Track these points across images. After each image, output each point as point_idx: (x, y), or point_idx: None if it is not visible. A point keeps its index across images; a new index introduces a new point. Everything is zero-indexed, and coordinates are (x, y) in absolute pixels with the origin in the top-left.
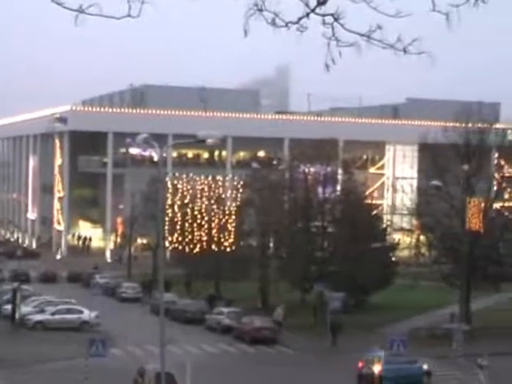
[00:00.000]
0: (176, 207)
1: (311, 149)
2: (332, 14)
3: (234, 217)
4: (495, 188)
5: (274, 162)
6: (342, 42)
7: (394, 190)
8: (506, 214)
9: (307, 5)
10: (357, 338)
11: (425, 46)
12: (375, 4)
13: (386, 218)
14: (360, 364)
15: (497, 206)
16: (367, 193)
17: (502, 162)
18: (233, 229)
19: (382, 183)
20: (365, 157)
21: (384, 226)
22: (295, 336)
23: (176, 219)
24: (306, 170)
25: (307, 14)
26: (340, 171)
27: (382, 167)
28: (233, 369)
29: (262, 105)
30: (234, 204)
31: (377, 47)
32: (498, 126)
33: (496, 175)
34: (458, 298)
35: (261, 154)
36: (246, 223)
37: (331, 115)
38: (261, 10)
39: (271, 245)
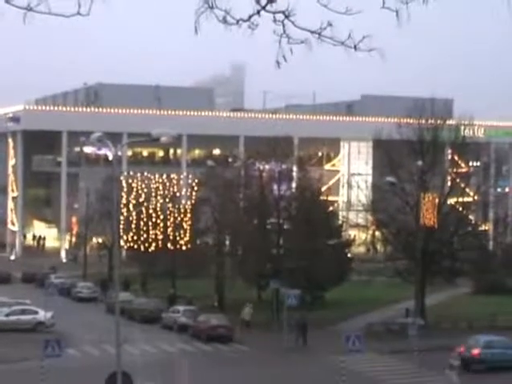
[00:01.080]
0: (131, 206)
1: (266, 146)
2: (283, 12)
3: (189, 215)
4: (449, 184)
5: (230, 160)
6: (293, 40)
7: (349, 187)
8: (460, 209)
9: (258, 2)
10: (313, 334)
11: (376, 43)
12: (326, 1)
13: (341, 214)
14: (461, 349)
15: (451, 201)
16: (323, 189)
17: (456, 158)
18: (188, 227)
19: (338, 180)
20: (320, 154)
21: (339, 222)
22: (252, 334)
23: (131, 218)
24: (262, 168)
25: (258, 12)
26: (295, 168)
27: (337, 164)
28: (190, 367)
29: (217, 103)
30: (189, 202)
31: (328, 44)
32: (451, 121)
33: (450, 171)
34: (413, 293)
35: (216, 151)
36: (202, 221)
37: (286, 113)
38: (211, 8)
39: (227, 242)
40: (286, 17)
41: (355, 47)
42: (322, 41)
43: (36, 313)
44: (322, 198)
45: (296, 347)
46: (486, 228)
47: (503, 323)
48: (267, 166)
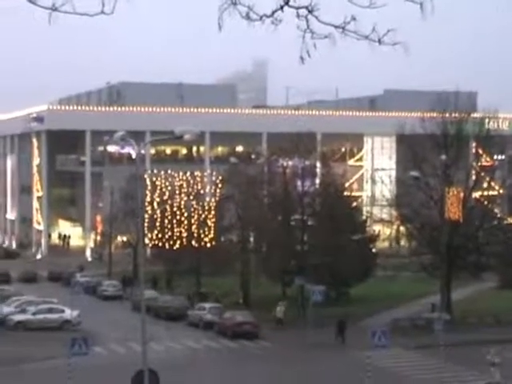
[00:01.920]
0: (155, 204)
1: (289, 142)
2: (306, 7)
3: (213, 212)
4: (473, 177)
5: (253, 157)
6: (317, 35)
7: (373, 182)
8: (485, 203)
9: None
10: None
11: (399, 36)
12: None
13: (365, 209)
14: None
15: (475, 195)
16: (346, 185)
17: (480, 152)
18: (212, 224)
19: (361, 175)
20: (343, 149)
21: (364, 217)
22: (277, 330)
23: (155, 216)
24: (285, 164)
25: (281, 7)
26: (318, 164)
27: (360, 159)
28: (216, 364)
29: (240, 99)
30: (213, 199)
31: (352, 39)
32: (475, 115)
33: (474, 164)
34: (439, 287)
35: (239, 148)
36: (226, 218)
37: (309, 108)
38: (235, 4)
39: (251, 239)
40: (310, 12)
41: (379, 41)
42: (346, 35)
43: (62, 311)
44: (345, 193)
45: (335, 343)
46: None
47: None
48: (290, 163)
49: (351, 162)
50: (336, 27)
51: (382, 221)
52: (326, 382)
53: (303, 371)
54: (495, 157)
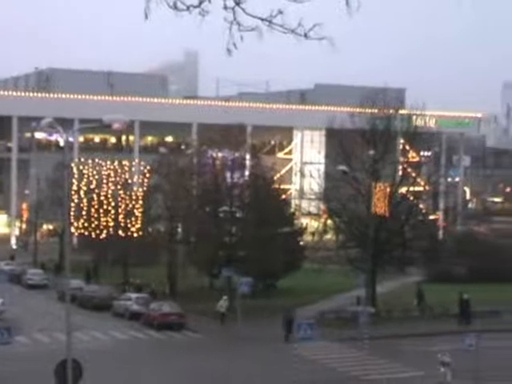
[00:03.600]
0: (82, 192)
1: (219, 134)
2: None
3: (140, 202)
4: (400, 173)
5: (182, 147)
6: (244, 27)
7: (302, 175)
8: (411, 198)
9: None
10: (267, 323)
11: (329, 32)
12: None
13: (293, 202)
14: None
15: (402, 190)
16: (275, 178)
17: (407, 148)
18: (140, 214)
19: (290, 168)
20: (273, 142)
21: (292, 210)
22: (204, 321)
23: (82, 205)
24: (214, 155)
25: None
26: (248, 156)
27: (289, 152)
28: (141, 355)
29: (171, 90)
30: (140, 189)
31: (278, 32)
32: (403, 111)
33: (401, 160)
34: (365, 281)
35: (169, 139)
36: (154, 208)
37: (239, 100)
38: None
39: (179, 230)
40: (237, 4)
41: (306, 35)
42: (273, 28)
43: None
44: (274, 186)
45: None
46: (437, 217)
47: (455, 311)
48: (220, 154)
49: (281, 154)
50: (263, 20)
51: (309, 214)
52: (251, 374)
53: (229, 362)
54: (422, 153)
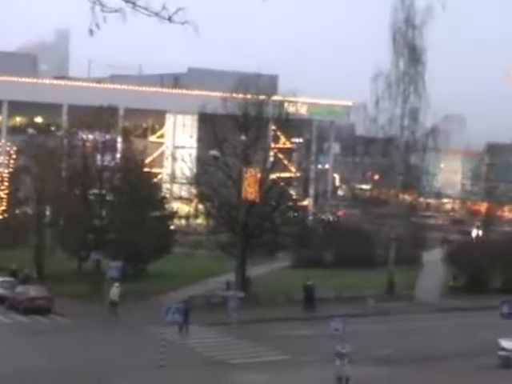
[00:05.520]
0: None
1: (90, 116)
2: None
3: (6, 184)
4: (271, 159)
5: (52, 129)
6: (107, 8)
7: (174, 159)
8: (282, 184)
9: None
10: (136, 307)
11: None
12: None
13: (165, 186)
14: None
15: (273, 176)
16: (147, 161)
17: (279, 134)
18: (5, 196)
19: (162, 152)
20: (145, 125)
21: (163, 194)
22: (72, 305)
23: None
24: (85, 137)
25: None
26: (119, 139)
27: (161, 136)
28: (6, 339)
29: (41, 70)
30: (6, 170)
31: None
32: (275, 98)
33: (272, 146)
34: (235, 266)
35: (38, 119)
36: (22, 190)
37: (111, 82)
38: None
39: (48, 213)
40: None
41: (170, 19)
42: (137, 10)
43: None
44: (145, 169)
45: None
46: (307, 203)
47: (321, 295)
48: (91, 136)
49: (153, 138)
50: (126, 2)
51: (181, 198)
52: (117, 358)
53: (96, 346)
54: (293, 140)
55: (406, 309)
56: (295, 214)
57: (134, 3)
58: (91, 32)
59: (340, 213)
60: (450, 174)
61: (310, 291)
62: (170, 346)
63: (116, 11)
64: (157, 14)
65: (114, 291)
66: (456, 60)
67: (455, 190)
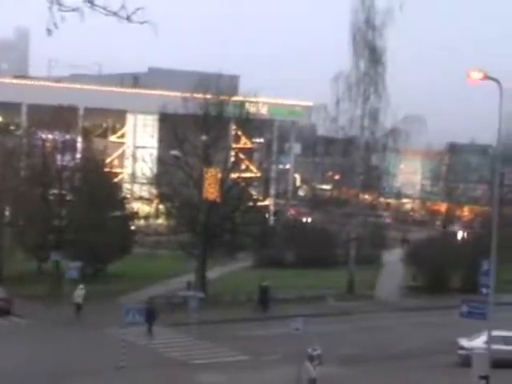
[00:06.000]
0: None
1: (50, 115)
2: None
3: None
4: (232, 159)
5: (11, 128)
6: (65, 7)
7: (134, 159)
8: (243, 184)
9: None
10: (96, 308)
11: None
12: None
13: (125, 186)
14: None
15: (234, 176)
16: (107, 161)
17: (240, 134)
18: None
19: (123, 152)
20: (105, 125)
21: (123, 194)
22: (32, 306)
23: None
24: (44, 137)
25: None
26: (80, 139)
27: (122, 136)
28: None
29: (0, 68)
30: None
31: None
32: (236, 98)
33: (233, 146)
34: (195, 266)
35: None
36: None
37: (71, 81)
38: None
39: (7, 213)
40: None
41: (128, 18)
42: (95, 10)
43: None
44: (106, 169)
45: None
46: (267, 203)
47: (282, 295)
48: (50, 136)
49: (113, 138)
50: (84, 1)
51: (141, 198)
52: (76, 359)
53: (55, 348)
54: (254, 140)
55: (366, 308)
56: (259, 215)
57: (91, 2)
58: (49, 31)
59: (292, 211)
60: (410, 175)
61: (265, 292)
62: (131, 346)
63: (74, 10)
64: (115, 14)
65: (79, 293)
66: (416, 61)
67: (415, 190)
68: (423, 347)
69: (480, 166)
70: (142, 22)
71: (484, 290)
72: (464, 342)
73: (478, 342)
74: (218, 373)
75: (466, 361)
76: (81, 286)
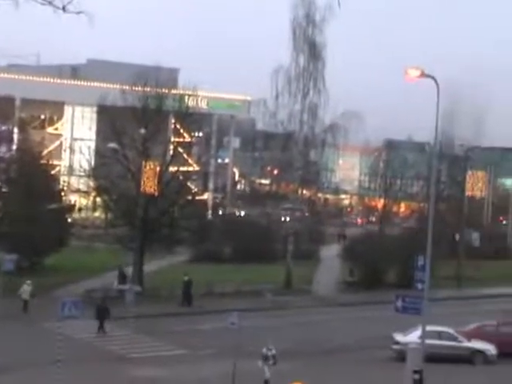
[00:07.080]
0: None
1: None
2: None
3: None
4: (171, 152)
5: None
6: None
7: (72, 151)
8: (181, 178)
9: None
10: (31, 301)
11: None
12: None
13: (62, 179)
14: None
15: (172, 170)
16: (44, 153)
17: (179, 127)
18: None
19: (60, 144)
20: (43, 116)
21: (60, 187)
22: None
23: None
24: None
25: None
26: (16, 130)
27: (60, 128)
28: None
29: None
30: None
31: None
32: (175, 91)
33: (172, 140)
34: (133, 260)
35: None
36: None
37: (8, 72)
38: None
39: None
40: None
41: (64, 8)
42: None
43: None
44: (43, 161)
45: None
46: (206, 197)
47: (219, 289)
48: None
49: (50, 129)
50: None
51: (78, 191)
52: (13, 353)
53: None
54: (193, 133)
55: (303, 303)
56: (197, 209)
57: None
58: None
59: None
60: (348, 171)
61: (188, 287)
62: (69, 340)
63: None
64: (50, 3)
65: (26, 289)
66: (356, 58)
67: (353, 186)
68: (359, 342)
69: (417, 163)
70: (77, 13)
71: (419, 286)
72: (399, 337)
73: (413, 336)
74: (156, 366)
75: (400, 355)
76: (28, 282)
